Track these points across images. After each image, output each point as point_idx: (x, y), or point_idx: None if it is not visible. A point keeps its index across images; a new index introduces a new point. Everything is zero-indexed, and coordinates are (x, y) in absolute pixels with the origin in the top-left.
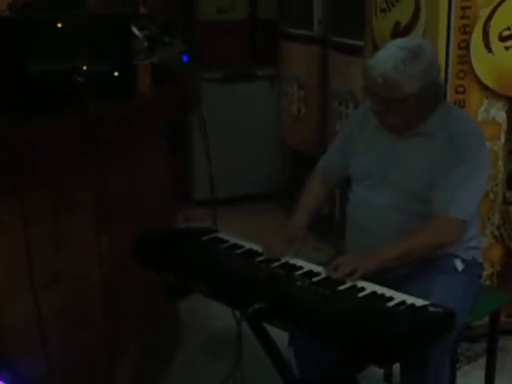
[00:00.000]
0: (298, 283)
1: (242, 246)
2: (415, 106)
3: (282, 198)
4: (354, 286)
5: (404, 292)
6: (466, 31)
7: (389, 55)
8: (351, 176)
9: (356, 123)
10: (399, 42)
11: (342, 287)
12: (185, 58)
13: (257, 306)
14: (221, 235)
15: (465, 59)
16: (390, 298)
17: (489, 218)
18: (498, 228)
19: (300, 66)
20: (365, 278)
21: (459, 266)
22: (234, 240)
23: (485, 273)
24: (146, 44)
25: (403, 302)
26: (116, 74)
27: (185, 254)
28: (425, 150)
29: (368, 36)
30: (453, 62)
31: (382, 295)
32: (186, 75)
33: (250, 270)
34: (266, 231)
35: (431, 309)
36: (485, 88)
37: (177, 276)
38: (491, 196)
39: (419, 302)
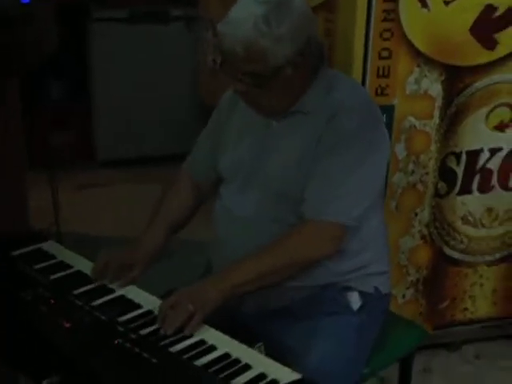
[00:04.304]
0: (117, 341)
1: (66, 267)
2: (293, 77)
3: None
4: (201, 343)
5: (277, 343)
6: None
7: (245, 14)
8: (220, 176)
9: (226, 108)
10: None
11: (177, 347)
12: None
13: (44, 382)
14: (46, 247)
15: (391, 15)
16: (245, 367)
17: (416, 214)
18: (428, 226)
19: (214, 7)
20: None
21: (355, 302)
22: (62, 255)
23: (409, 279)
24: None
25: (261, 376)
26: None
27: None
28: (299, 133)
29: None
30: (376, 18)
31: (236, 361)
32: (25, 20)
33: (57, 317)
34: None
35: None
36: (416, 53)
37: None
38: (420, 187)
39: (285, 377)
